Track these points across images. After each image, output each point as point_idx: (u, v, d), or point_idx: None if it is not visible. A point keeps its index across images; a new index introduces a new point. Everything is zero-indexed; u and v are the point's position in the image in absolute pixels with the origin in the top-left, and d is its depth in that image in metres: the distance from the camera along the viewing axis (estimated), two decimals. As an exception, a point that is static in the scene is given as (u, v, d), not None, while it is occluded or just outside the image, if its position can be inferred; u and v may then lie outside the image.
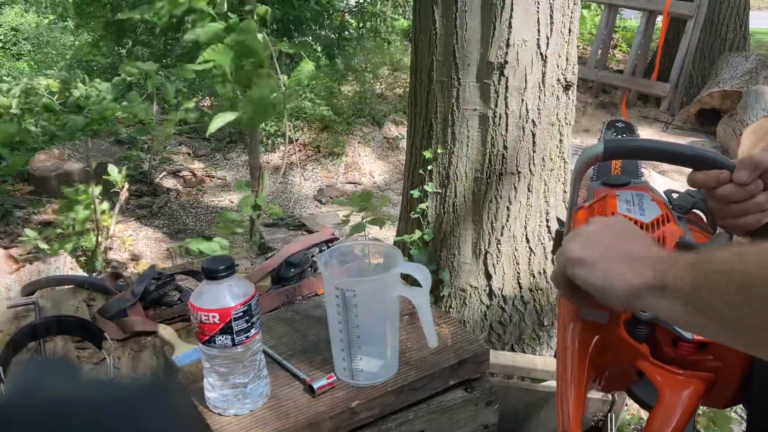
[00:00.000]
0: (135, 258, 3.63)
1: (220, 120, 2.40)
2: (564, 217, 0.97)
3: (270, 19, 2.50)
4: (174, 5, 2.35)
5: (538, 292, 2.39)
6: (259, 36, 2.39)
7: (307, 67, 2.59)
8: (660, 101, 6.36)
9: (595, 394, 1.73)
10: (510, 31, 2.07)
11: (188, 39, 2.43)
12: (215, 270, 0.86)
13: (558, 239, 0.99)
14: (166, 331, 1.10)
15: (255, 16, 2.44)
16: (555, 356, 0.86)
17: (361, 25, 8.36)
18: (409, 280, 1.06)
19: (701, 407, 0.78)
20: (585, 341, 0.77)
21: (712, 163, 0.83)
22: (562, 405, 0.74)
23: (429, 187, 2.35)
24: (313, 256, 1.39)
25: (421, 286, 0.93)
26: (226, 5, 2.54)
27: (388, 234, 3.71)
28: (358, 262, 1.02)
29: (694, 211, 0.88)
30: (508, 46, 2.08)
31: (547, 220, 2.34)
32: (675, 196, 0.90)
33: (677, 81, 6.14)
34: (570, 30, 2.17)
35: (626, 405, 2.02)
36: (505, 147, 2.20)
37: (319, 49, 6.54)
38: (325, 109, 5.45)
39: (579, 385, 0.75)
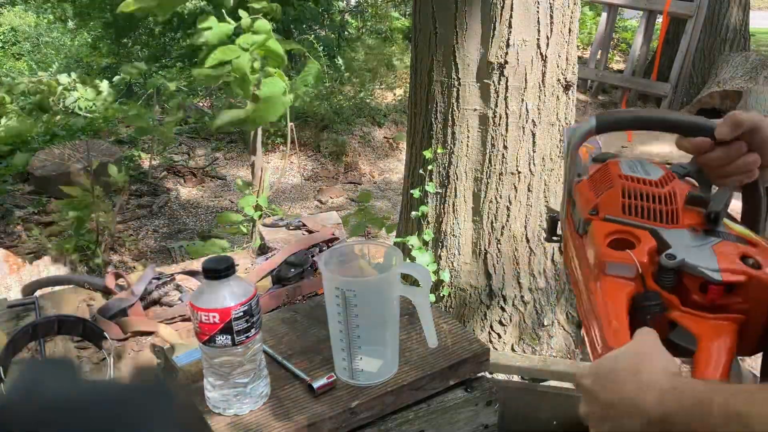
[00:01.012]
0: (135, 258, 3.63)
1: (227, 116, 2.39)
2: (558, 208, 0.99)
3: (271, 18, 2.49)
4: (179, 2, 2.34)
5: (538, 292, 2.39)
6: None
7: (315, 67, 2.58)
8: (660, 101, 6.36)
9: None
10: (510, 31, 2.07)
11: (198, 43, 2.41)
12: (215, 270, 0.86)
13: (552, 226, 0.99)
14: (166, 331, 1.10)
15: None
16: (579, 324, 0.87)
17: (361, 24, 8.36)
18: (409, 280, 1.06)
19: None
20: (619, 296, 0.76)
21: (698, 128, 0.85)
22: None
23: (429, 187, 2.35)
24: (313, 256, 1.39)
25: (420, 286, 0.93)
26: (232, 1, 2.54)
27: (388, 234, 3.71)
28: (358, 262, 1.02)
29: (688, 178, 0.89)
30: (508, 46, 2.08)
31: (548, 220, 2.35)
32: (668, 166, 0.91)
33: (677, 81, 6.14)
34: (570, 30, 2.17)
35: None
36: (505, 147, 2.21)
37: (320, 48, 6.54)
38: (325, 108, 5.45)
39: (624, 332, 0.73)
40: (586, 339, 0.82)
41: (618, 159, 0.89)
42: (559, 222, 0.98)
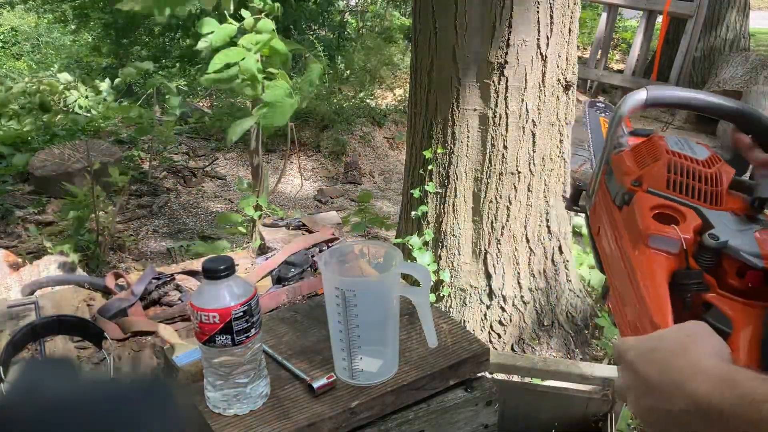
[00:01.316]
0: (135, 258, 3.63)
1: (240, 128, 2.38)
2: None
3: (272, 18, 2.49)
4: (177, 2, 2.33)
5: (538, 292, 2.39)
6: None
7: (317, 66, 2.57)
8: (660, 101, 6.36)
9: (594, 394, 1.73)
10: (510, 31, 2.07)
11: (202, 47, 2.40)
12: (215, 270, 0.86)
13: (576, 195, 0.99)
14: (166, 331, 1.10)
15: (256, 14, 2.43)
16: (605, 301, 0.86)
17: (360, 24, 8.36)
18: (409, 280, 1.06)
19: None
20: (661, 269, 0.75)
21: (755, 121, 0.85)
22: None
23: (429, 187, 2.35)
24: (313, 256, 1.39)
25: (420, 286, 0.93)
26: (232, 5, 2.53)
27: (388, 234, 3.71)
28: (358, 262, 1.02)
29: None
30: (508, 46, 2.09)
31: (547, 220, 2.35)
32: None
33: (677, 81, 6.14)
34: (570, 30, 2.17)
35: (626, 404, 2.01)
36: (505, 147, 2.21)
37: (320, 48, 6.55)
38: (325, 108, 5.46)
39: (664, 307, 0.73)
40: (616, 312, 0.81)
41: (663, 135, 0.88)
42: (584, 191, 0.97)
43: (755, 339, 0.70)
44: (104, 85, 5.37)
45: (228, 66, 2.28)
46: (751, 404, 0.51)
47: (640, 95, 0.88)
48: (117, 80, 4.79)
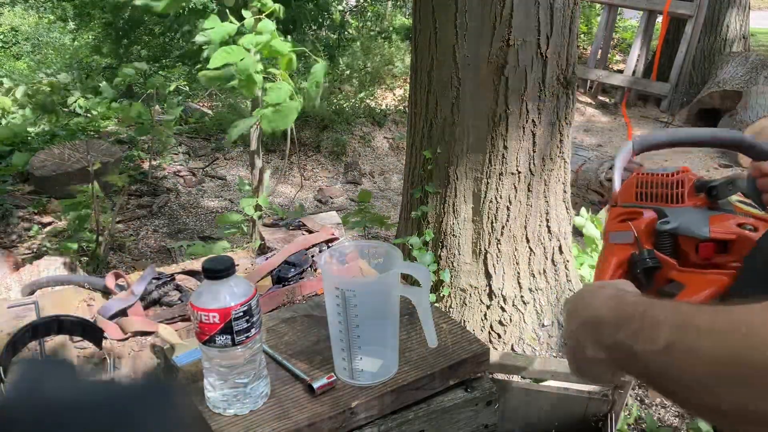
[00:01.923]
0: (135, 258, 3.63)
1: (240, 128, 2.38)
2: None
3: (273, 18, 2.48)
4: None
5: (538, 292, 2.39)
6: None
7: (321, 66, 2.57)
8: (660, 101, 6.36)
9: (594, 394, 1.73)
10: (510, 31, 2.07)
11: (200, 42, 2.40)
12: (215, 270, 0.86)
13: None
14: (166, 331, 1.10)
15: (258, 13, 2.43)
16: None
17: (360, 24, 8.36)
18: (409, 281, 1.06)
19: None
20: (615, 257, 0.89)
21: (732, 143, 0.99)
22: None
23: (429, 187, 2.35)
24: (313, 256, 1.39)
25: (420, 286, 0.93)
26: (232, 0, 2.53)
27: (388, 234, 3.71)
28: (358, 262, 1.02)
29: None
30: (508, 46, 2.09)
31: (548, 220, 2.35)
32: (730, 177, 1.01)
33: (677, 81, 6.14)
34: (570, 30, 2.17)
35: (626, 404, 2.02)
36: (505, 147, 2.21)
37: (320, 48, 6.54)
38: (325, 108, 5.45)
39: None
40: None
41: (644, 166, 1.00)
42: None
43: (702, 298, 0.80)
44: (104, 85, 5.37)
45: (227, 65, 2.27)
46: (627, 310, 0.61)
47: (627, 147, 1.04)
48: (116, 80, 4.79)
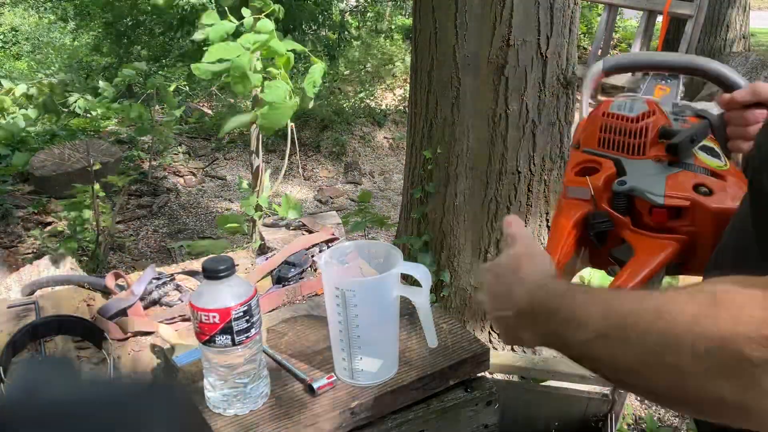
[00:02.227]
0: (135, 258, 3.63)
1: (233, 122, 2.38)
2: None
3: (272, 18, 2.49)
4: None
5: (538, 292, 2.39)
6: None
7: (320, 66, 2.57)
8: (660, 101, 6.36)
9: (594, 394, 1.73)
10: (510, 31, 2.07)
11: (198, 39, 2.40)
12: (215, 270, 0.86)
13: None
14: (166, 331, 1.10)
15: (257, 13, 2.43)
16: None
17: (361, 24, 8.36)
18: (409, 281, 1.06)
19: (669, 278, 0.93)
20: (572, 214, 0.88)
21: (704, 71, 0.97)
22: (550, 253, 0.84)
23: (429, 187, 2.35)
24: (313, 256, 1.39)
25: (421, 286, 0.93)
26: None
27: (388, 234, 3.71)
28: (358, 262, 1.02)
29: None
30: (508, 46, 2.09)
31: (547, 220, 2.35)
32: (680, 103, 0.99)
33: (677, 81, 6.13)
34: (570, 30, 2.17)
35: (627, 403, 2.02)
36: (505, 147, 2.21)
37: (320, 48, 6.54)
38: (325, 108, 5.45)
39: (561, 243, 0.85)
40: None
41: (612, 99, 0.97)
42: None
43: (649, 265, 0.80)
44: (104, 84, 5.37)
45: (222, 61, 2.28)
46: (551, 303, 0.62)
47: (598, 66, 1.02)
48: (116, 80, 4.79)
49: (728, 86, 0.95)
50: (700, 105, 0.97)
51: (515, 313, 0.67)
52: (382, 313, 0.94)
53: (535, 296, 0.65)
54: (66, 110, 5.12)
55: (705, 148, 0.89)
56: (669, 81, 1.07)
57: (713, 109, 0.95)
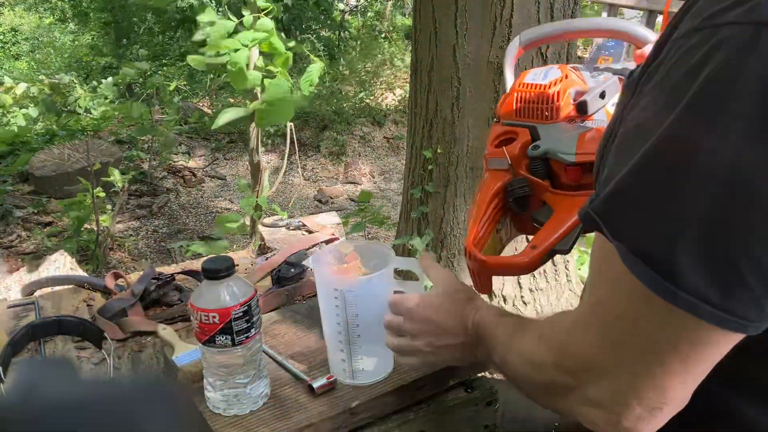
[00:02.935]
0: (135, 258, 3.63)
1: (228, 115, 2.39)
2: None
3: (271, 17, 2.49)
4: None
5: (538, 292, 2.39)
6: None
7: (318, 66, 2.58)
8: (660, 101, 6.36)
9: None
10: (510, 31, 2.07)
11: (197, 39, 2.41)
12: (215, 270, 0.86)
13: None
14: (166, 331, 1.10)
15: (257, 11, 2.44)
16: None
17: (361, 24, 8.35)
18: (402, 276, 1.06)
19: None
20: (492, 184, 0.91)
21: (611, 31, 0.99)
22: (469, 230, 0.89)
23: (429, 187, 2.35)
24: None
25: (417, 279, 0.94)
26: None
27: (388, 234, 3.71)
28: (355, 263, 1.01)
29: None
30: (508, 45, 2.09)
31: (547, 220, 2.35)
32: (601, 66, 1.01)
33: (677, 81, 6.14)
34: (570, 30, 2.17)
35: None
36: (505, 147, 2.21)
37: (320, 48, 6.54)
38: (325, 108, 5.45)
39: (481, 215, 0.89)
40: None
41: (529, 70, 0.99)
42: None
43: (567, 223, 0.83)
44: (105, 84, 5.37)
45: (219, 54, 2.29)
46: (477, 329, 0.78)
47: (515, 42, 1.05)
48: (116, 77, 4.80)
49: (638, 41, 0.96)
50: (620, 65, 0.99)
51: (448, 345, 0.81)
52: (380, 311, 0.94)
53: (463, 328, 0.79)
54: (66, 110, 5.12)
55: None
56: (612, 51, 1.09)
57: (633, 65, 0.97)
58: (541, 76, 0.96)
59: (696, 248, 0.47)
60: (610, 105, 0.91)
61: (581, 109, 0.88)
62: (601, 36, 1.02)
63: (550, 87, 0.93)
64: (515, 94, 0.95)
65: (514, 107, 0.95)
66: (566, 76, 0.94)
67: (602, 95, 0.88)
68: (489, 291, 0.89)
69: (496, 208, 0.91)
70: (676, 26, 0.53)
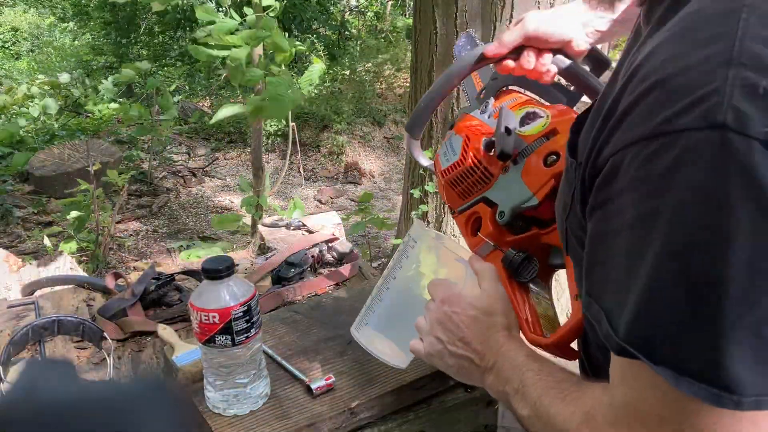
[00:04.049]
0: (135, 258, 3.63)
1: (226, 111, 2.39)
2: None
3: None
4: None
5: (538, 292, 2.39)
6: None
7: (319, 66, 2.58)
8: (660, 101, 6.36)
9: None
10: (510, 31, 2.07)
11: (199, 36, 2.41)
12: (215, 270, 0.86)
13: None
14: (166, 331, 1.10)
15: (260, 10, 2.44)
16: None
17: (361, 24, 8.35)
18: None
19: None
20: (498, 270, 0.86)
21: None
22: (520, 326, 0.85)
23: (429, 187, 2.35)
24: (313, 256, 1.39)
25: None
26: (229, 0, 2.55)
27: (388, 234, 3.71)
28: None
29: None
30: (508, 46, 2.09)
31: (547, 220, 2.35)
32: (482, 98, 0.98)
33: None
34: (570, 30, 2.17)
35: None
36: (505, 147, 2.21)
37: (320, 48, 6.54)
38: (325, 108, 5.45)
39: (514, 303, 0.84)
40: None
41: (438, 152, 0.96)
42: None
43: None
44: (105, 84, 5.38)
45: (221, 48, 2.30)
46: (510, 369, 0.73)
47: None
48: (116, 76, 4.80)
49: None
50: (481, 94, 0.97)
51: (475, 359, 0.76)
52: (409, 300, 0.93)
53: (499, 358, 0.74)
54: (66, 109, 5.12)
55: (528, 117, 0.86)
56: (464, 87, 1.07)
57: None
58: (450, 152, 0.92)
59: (744, 347, 0.46)
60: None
61: (503, 156, 0.82)
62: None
63: (464, 158, 0.88)
64: (446, 183, 0.92)
65: (455, 193, 0.91)
66: (468, 138, 0.89)
67: (507, 131, 0.82)
68: (577, 356, 0.81)
69: (517, 287, 0.85)
70: (619, 99, 0.52)
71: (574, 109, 0.91)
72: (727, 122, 0.43)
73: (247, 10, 2.46)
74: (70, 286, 1.38)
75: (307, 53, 2.61)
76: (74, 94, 5.27)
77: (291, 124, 2.93)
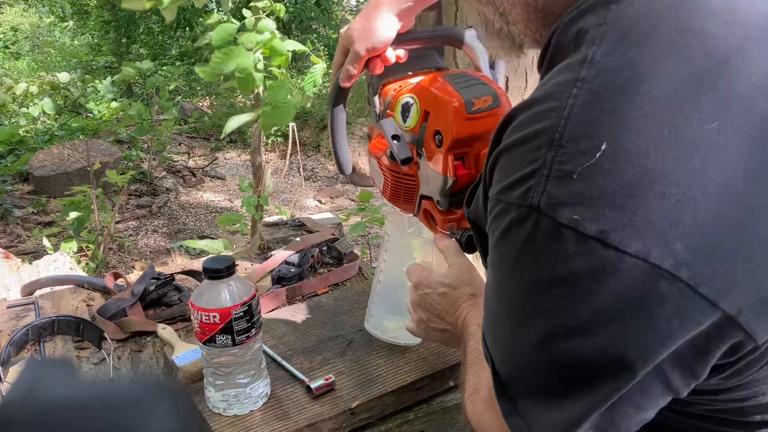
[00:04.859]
0: (135, 258, 3.63)
1: (235, 122, 2.39)
2: None
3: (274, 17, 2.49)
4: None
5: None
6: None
7: (320, 66, 2.57)
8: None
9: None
10: (510, 31, 2.07)
11: (201, 45, 2.41)
12: (215, 270, 0.86)
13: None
14: (166, 331, 1.10)
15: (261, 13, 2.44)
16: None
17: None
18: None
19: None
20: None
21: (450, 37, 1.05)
22: None
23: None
24: (312, 257, 1.39)
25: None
26: (230, 3, 2.54)
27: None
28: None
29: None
30: (508, 46, 2.09)
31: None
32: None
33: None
34: (570, 30, 2.18)
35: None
36: (505, 147, 2.21)
37: (321, 48, 6.54)
38: (325, 108, 5.45)
39: None
40: None
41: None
42: None
43: None
44: (104, 84, 5.37)
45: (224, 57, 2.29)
46: (466, 333, 0.77)
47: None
48: (116, 76, 4.80)
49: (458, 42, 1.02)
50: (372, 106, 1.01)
51: (452, 330, 0.81)
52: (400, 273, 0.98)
53: (464, 327, 0.78)
54: (66, 109, 5.12)
55: (405, 109, 0.89)
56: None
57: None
58: (376, 174, 0.98)
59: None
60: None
61: (406, 161, 0.86)
62: (435, 44, 1.05)
63: (385, 176, 0.95)
64: (390, 199, 0.97)
65: (403, 203, 0.95)
66: (377, 158, 0.95)
67: (395, 138, 0.87)
68: None
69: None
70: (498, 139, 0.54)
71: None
72: (541, 206, 0.46)
73: (246, 12, 2.45)
74: (70, 286, 1.38)
75: (308, 54, 2.60)
76: (74, 93, 5.27)
77: (291, 124, 2.93)
